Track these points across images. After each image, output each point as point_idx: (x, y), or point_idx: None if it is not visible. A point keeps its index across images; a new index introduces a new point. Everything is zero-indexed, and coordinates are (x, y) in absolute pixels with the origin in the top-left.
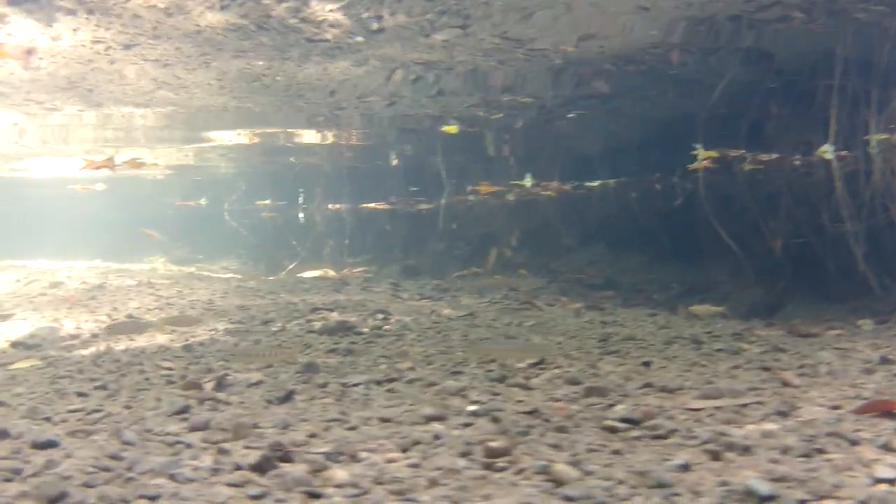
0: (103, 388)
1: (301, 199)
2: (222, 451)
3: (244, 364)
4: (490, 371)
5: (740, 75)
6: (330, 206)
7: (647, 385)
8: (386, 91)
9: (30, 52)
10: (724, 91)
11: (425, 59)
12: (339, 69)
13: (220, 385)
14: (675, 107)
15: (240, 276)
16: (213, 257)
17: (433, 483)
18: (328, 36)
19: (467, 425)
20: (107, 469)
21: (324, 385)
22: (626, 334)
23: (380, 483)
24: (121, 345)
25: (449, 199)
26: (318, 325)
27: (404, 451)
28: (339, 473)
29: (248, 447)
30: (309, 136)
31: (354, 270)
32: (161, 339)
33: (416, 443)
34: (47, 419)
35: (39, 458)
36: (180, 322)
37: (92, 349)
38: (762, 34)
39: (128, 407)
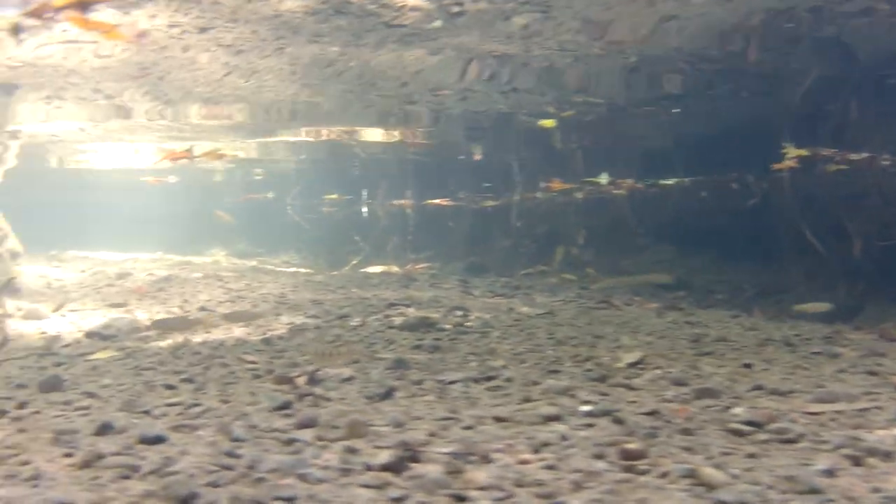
0: (190, 381)
1: (365, 195)
2: (350, 451)
3: (326, 362)
4: (588, 371)
5: (824, 71)
6: (394, 201)
7: (757, 388)
8: (458, 87)
9: (142, 34)
10: (808, 88)
11: (501, 50)
12: (413, 57)
13: (312, 380)
14: (751, 105)
15: (305, 271)
16: (273, 251)
17: (578, 486)
18: (406, 20)
19: (589, 426)
20: (228, 468)
21: (419, 382)
22: (716, 335)
23: (521, 485)
24: (198, 337)
25: (515, 196)
26: (397, 320)
27: (535, 451)
28: (479, 475)
29: (376, 446)
30: (375, 135)
31: (417, 266)
32: (238, 332)
33: (545, 444)
34: (146, 412)
35: (152, 453)
36: (243, 317)
37: (169, 341)
38: (844, 27)
39: (225, 401)
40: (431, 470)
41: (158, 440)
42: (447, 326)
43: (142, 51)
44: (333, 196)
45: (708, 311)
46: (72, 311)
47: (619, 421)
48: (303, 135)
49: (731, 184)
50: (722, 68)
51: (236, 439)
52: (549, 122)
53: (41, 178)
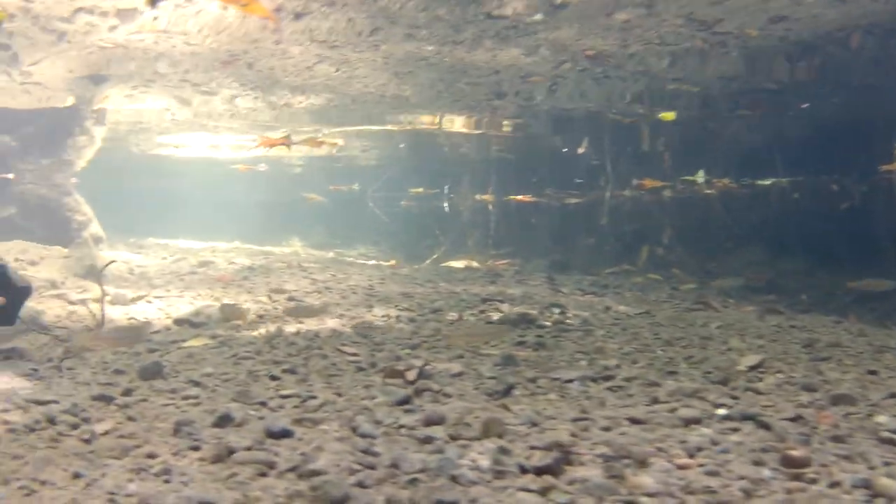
0: (292, 371)
1: (446, 189)
2: (502, 451)
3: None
4: (708, 373)
5: None
6: (476, 196)
7: (892, 395)
8: (551, 74)
9: (278, 9)
10: None
11: (598, 46)
12: (508, 57)
13: (422, 374)
14: (852, 105)
15: (388, 264)
16: (349, 243)
17: (749, 494)
18: (508, 11)
19: (734, 430)
20: (371, 466)
21: (534, 379)
22: (827, 341)
23: (691, 492)
24: (291, 327)
25: (601, 194)
26: (494, 316)
27: (690, 456)
28: (644, 480)
29: (530, 447)
30: (458, 124)
31: (499, 262)
32: (331, 323)
33: (698, 448)
34: (262, 404)
35: (283, 448)
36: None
37: (262, 330)
38: None
39: (338, 394)
40: (591, 474)
41: (285, 434)
42: (547, 323)
43: (233, 41)
44: (419, 190)
45: (809, 316)
46: (157, 297)
47: (765, 426)
48: (388, 125)
49: (832, 185)
50: (823, 64)
51: (365, 435)
52: (668, 115)
53: (122, 166)
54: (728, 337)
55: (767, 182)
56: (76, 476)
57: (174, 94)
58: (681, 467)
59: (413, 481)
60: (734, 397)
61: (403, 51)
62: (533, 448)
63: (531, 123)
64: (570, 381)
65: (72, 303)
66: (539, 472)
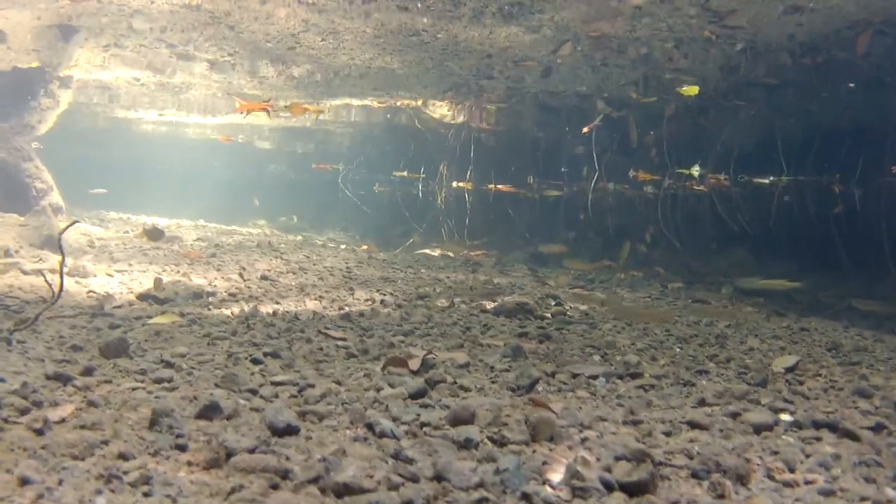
0: (275, 355)
1: (422, 172)
2: (584, 463)
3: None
4: (742, 373)
5: None
6: (453, 184)
7: None
8: (545, 59)
9: None
10: None
11: (602, 31)
12: (506, 34)
13: (426, 364)
14: (851, 106)
15: (361, 249)
16: (316, 227)
17: None
18: None
19: (816, 439)
20: (412, 478)
21: (552, 374)
22: (852, 346)
23: None
24: (267, 307)
25: (583, 187)
26: (488, 305)
27: (790, 469)
28: (762, 502)
29: (614, 456)
30: (442, 109)
31: (474, 253)
32: (312, 305)
33: (793, 460)
34: (252, 392)
35: (294, 451)
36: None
37: (234, 309)
38: None
39: (338, 383)
40: (693, 493)
41: (290, 431)
42: (547, 315)
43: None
44: (403, 174)
45: (815, 320)
46: (118, 271)
47: (850, 435)
48: (369, 101)
49: (832, 186)
50: (825, 63)
51: (386, 435)
52: (691, 90)
53: (86, 135)
54: (743, 336)
55: (766, 180)
56: (24, 482)
57: (147, 60)
58: (789, 484)
59: (480, 502)
60: (786, 400)
61: (397, 21)
62: (620, 458)
63: (516, 109)
64: (595, 377)
65: (25, 273)
66: (630, 489)
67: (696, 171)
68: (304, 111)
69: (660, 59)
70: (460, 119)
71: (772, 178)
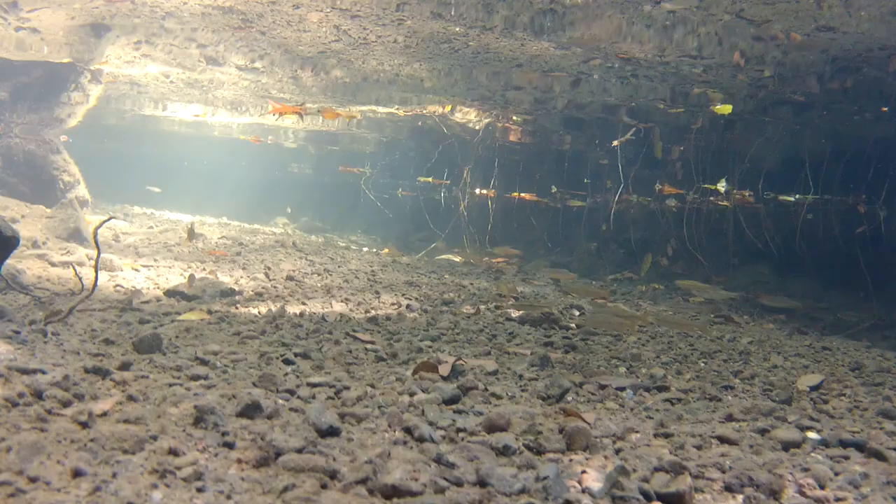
0: (306, 356)
1: (447, 179)
2: (622, 472)
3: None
4: (767, 390)
5: None
6: (477, 191)
7: None
8: (574, 70)
9: None
10: None
11: (630, 53)
12: (536, 49)
13: (455, 371)
14: (882, 127)
15: (385, 252)
16: (337, 229)
17: None
18: None
19: (844, 458)
20: (457, 483)
21: (580, 385)
22: (875, 366)
23: None
24: (294, 308)
25: (606, 198)
26: (514, 313)
27: (820, 486)
28: None
29: (654, 468)
30: (469, 117)
31: (496, 260)
32: (338, 307)
33: (824, 478)
34: (290, 392)
35: (339, 452)
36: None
37: (262, 308)
38: None
39: (371, 386)
40: None
41: (333, 432)
42: (572, 325)
43: (248, 1)
44: (428, 179)
45: (837, 339)
46: (144, 266)
47: (878, 455)
48: (395, 108)
49: (858, 206)
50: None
51: (425, 439)
52: (725, 108)
53: (114, 132)
54: (766, 354)
55: (791, 198)
56: (77, 474)
57: (177, 60)
58: (819, 500)
59: None
60: (812, 418)
61: (429, 29)
62: (657, 469)
63: (542, 120)
64: (622, 388)
65: (53, 264)
66: (668, 500)
67: (722, 186)
68: (336, 116)
69: (688, 76)
70: (486, 126)
71: (794, 197)
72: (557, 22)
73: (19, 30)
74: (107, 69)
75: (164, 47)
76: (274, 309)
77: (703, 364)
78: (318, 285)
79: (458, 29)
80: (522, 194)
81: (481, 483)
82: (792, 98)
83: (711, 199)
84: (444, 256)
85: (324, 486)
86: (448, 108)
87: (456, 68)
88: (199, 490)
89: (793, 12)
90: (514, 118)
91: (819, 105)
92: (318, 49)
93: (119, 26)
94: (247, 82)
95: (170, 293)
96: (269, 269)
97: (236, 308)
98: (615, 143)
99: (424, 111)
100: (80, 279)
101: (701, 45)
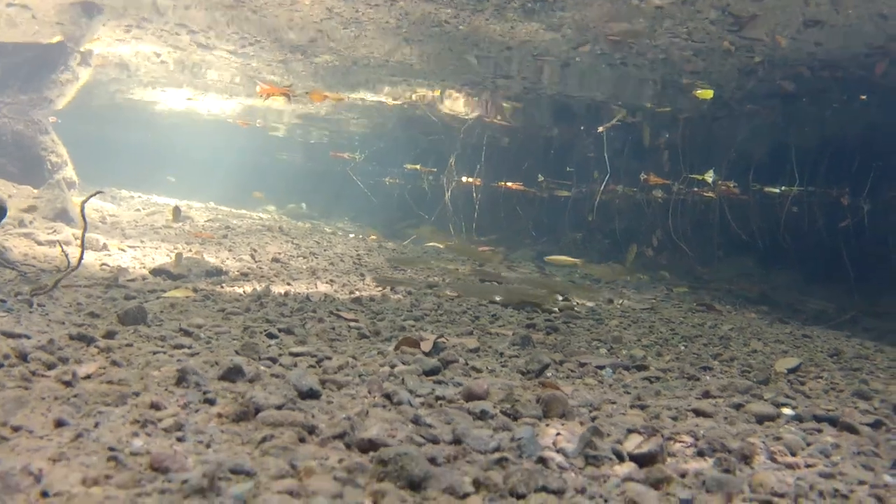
0: (289, 332)
1: (433, 167)
2: (596, 433)
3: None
4: (745, 371)
5: None
6: (463, 179)
7: None
8: (564, 55)
9: None
10: None
11: (622, 32)
12: (526, 31)
13: (437, 348)
14: (866, 120)
15: (371, 238)
16: (325, 216)
17: (884, 501)
18: None
19: (816, 430)
20: (433, 440)
21: (561, 362)
22: (853, 353)
23: (822, 496)
24: (279, 288)
25: (592, 188)
26: (498, 297)
27: (792, 454)
28: (766, 478)
29: (628, 430)
30: (457, 105)
31: (481, 249)
32: (323, 288)
33: (794, 446)
34: (272, 360)
35: (319, 412)
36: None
37: (247, 288)
38: None
39: (353, 357)
40: (700, 467)
41: (313, 394)
42: (555, 309)
43: None
44: (416, 166)
45: (818, 329)
46: (131, 246)
47: (850, 429)
48: (384, 95)
49: (842, 199)
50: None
51: (403, 403)
52: (707, 93)
53: (101, 114)
54: (746, 339)
55: (776, 189)
56: (59, 424)
57: (168, 42)
58: (791, 466)
59: (499, 461)
60: (788, 396)
61: (420, 11)
62: (630, 431)
63: (530, 108)
64: (602, 367)
65: (39, 243)
66: (640, 460)
67: (709, 176)
68: (323, 98)
69: (678, 62)
70: (474, 114)
71: (785, 188)
72: (548, 5)
73: (10, 6)
74: (97, 49)
75: (154, 31)
76: (259, 288)
77: (683, 347)
78: (304, 267)
79: (449, 10)
80: (508, 183)
81: (457, 441)
82: (781, 86)
83: (696, 189)
84: (431, 243)
85: (302, 440)
86: (437, 92)
87: (446, 51)
88: (179, 440)
89: (778, 9)
90: (505, 105)
91: (807, 94)
92: (309, 35)
93: (110, 7)
94: (237, 66)
95: (156, 272)
96: (255, 251)
97: (222, 287)
98: (601, 128)
99: (413, 96)
100: (67, 256)
101: (690, 32)
